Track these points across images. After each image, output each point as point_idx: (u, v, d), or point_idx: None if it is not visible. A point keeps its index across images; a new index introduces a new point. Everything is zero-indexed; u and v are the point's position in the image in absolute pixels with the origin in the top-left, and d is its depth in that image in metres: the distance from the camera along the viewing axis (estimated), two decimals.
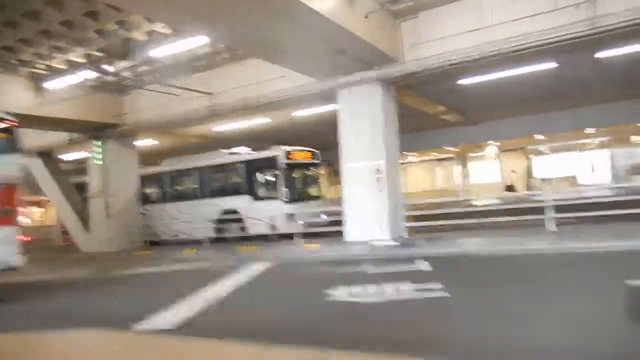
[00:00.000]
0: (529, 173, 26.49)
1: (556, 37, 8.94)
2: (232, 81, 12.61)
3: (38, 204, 30.83)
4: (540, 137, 24.28)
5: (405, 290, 6.29)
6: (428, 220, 11.09)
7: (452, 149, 26.44)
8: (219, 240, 13.79)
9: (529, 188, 24.25)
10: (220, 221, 13.98)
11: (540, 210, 9.95)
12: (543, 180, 24.06)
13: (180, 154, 16.74)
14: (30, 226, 30.18)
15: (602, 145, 25.97)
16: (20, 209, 8.08)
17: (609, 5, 8.45)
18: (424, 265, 8.06)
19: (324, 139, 14.82)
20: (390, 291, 6.27)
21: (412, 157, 28.02)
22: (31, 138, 16.20)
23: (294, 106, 14.55)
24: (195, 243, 13.73)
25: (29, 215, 30.77)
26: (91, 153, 15.09)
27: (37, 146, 16.37)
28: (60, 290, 9.41)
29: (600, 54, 11.70)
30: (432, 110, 18.51)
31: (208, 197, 14.62)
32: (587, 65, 13.21)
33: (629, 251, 7.60)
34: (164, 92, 12.78)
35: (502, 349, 3.91)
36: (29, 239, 12.16)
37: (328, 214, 13.21)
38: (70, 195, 16.37)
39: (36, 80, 12.59)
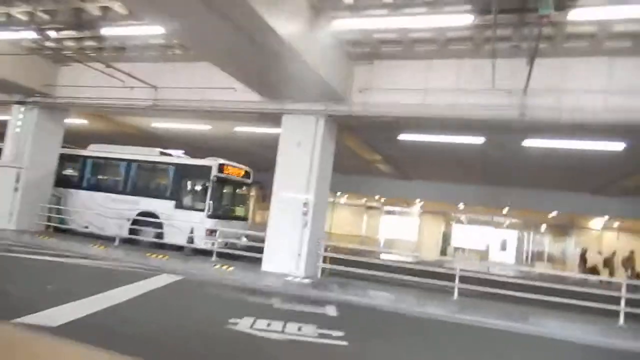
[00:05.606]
0: (445, 240, 27.86)
1: (488, 114, 9.61)
2: (180, 80, 12.24)
3: None
4: (461, 206, 25.76)
5: (308, 332, 6.36)
6: (345, 264, 11.27)
7: (381, 199, 27.28)
8: (131, 242, 13.14)
9: (444, 254, 25.40)
10: (136, 222, 13.38)
11: (448, 277, 10.45)
12: (457, 249, 25.35)
13: (109, 141, 15.94)
14: None
15: (514, 227, 27.95)
16: None
17: (539, 98, 9.22)
18: (331, 310, 8.18)
19: (260, 160, 14.76)
20: (293, 330, 6.32)
21: (342, 199, 28.54)
22: None
23: (238, 120, 14.42)
24: (105, 239, 13.00)
25: None
26: (12, 118, 14.01)
27: None
28: None
29: (526, 142, 12.70)
30: (369, 156, 19.08)
31: (129, 194, 13.96)
32: (512, 149, 14.09)
33: (520, 333, 8.13)
34: (106, 74, 12.19)
35: None
36: None
37: (250, 238, 13.07)
38: None
39: None
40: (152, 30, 10.10)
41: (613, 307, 9.11)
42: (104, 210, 13.65)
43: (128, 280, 8.54)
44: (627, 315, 9.02)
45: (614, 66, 9.17)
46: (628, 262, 21.72)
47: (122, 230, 12.98)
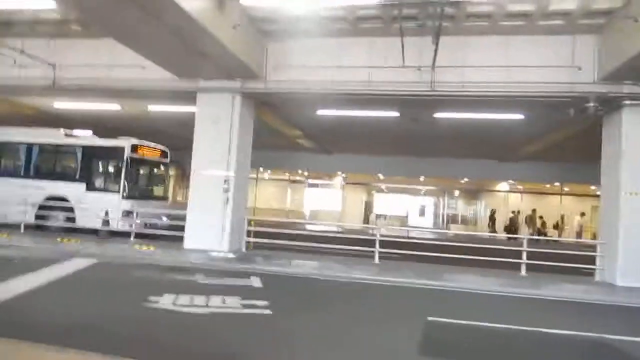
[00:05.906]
0: (368, 208, 28.85)
1: (400, 90, 10.06)
2: (82, 57, 11.34)
3: None
4: (381, 176, 26.67)
5: (231, 304, 6.35)
6: (270, 237, 11.31)
7: (304, 172, 27.52)
8: (39, 228, 12.26)
9: (367, 222, 26.34)
10: (44, 207, 12.47)
11: (369, 243, 10.85)
12: (378, 216, 26.37)
13: (6, 123, 14.53)
14: None
15: (430, 193, 29.54)
16: None
17: (445, 74, 9.73)
18: (256, 281, 8.22)
19: (178, 139, 14.29)
20: (216, 303, 6.28)
21: (266, 174, 28.45)
22: None
23: (151, 99, 13.78)
24: (9, 227, 11.99)
25: None
26: None
27: None
28: None
29: (438, 114, 13.33)
30: (289, 132, 19.05)
31: (33, 178, 12.95)
32: (425, 121, 14.71)
33: (436, 289, 8.70)
34: None
35: None
36: None
37: (170, 217, 12.69)
38: None
39: None
40: (41, 4, 9.26)
41: (517, 261, 10.01)
42: (5, 197, 12.57)
43: (35, 267, 7.97)
44: (527, 266, 9.97)
45: (509, 44, 9.84)
46: (530, 219, 23.82)
47: (26, 216, 12.05)
